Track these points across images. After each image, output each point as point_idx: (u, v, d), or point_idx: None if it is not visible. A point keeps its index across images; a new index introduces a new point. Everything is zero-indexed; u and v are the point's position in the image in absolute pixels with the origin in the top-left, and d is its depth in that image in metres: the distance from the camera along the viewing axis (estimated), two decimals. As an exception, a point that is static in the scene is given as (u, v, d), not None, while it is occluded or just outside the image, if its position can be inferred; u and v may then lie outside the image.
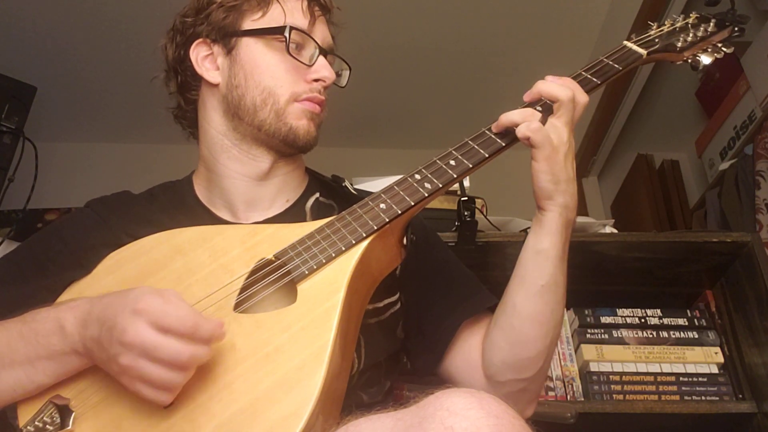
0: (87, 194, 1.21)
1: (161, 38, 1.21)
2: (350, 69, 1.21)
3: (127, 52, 2.80)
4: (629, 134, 3.18)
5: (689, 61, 1.18)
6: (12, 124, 2.28)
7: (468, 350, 1.12)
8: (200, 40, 1.16)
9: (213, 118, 1.16)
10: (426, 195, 0.97)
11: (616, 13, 2.74)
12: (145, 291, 0.85)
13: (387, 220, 0.96)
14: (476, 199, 1.84)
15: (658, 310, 1.90)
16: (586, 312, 1.89)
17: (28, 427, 0.88)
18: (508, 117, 1.00)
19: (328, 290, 0.91)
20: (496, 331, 1.06)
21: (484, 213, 1.93)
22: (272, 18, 1.13)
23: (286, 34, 1.11)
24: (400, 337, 1.14)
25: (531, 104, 1.02)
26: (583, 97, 1.02)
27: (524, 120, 0.99)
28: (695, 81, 2.89)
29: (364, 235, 0.95)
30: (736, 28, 1.19)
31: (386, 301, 1.10)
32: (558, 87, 1.01)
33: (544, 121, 0.99)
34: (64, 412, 0.89)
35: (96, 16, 2.67)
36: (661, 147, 3.25)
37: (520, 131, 0.98)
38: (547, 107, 1.01)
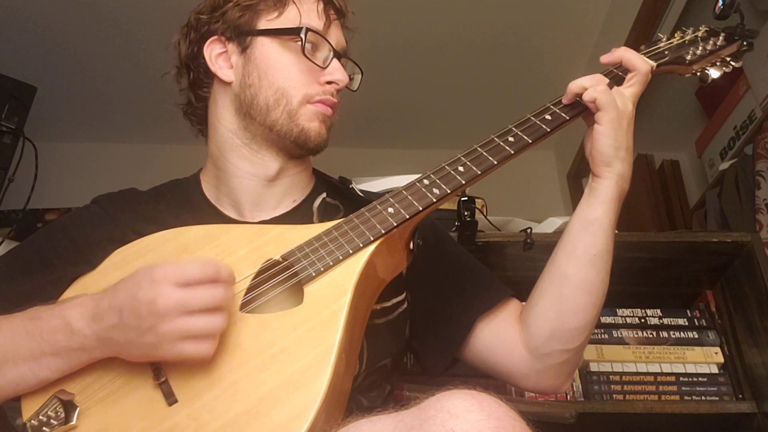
0: (87, 194, 1.21)
1: (174, 34, 1.21)
2: (362, 73, 1.21)
3: (127, 52, 2.80)
4: (629, 134, 3.18)
5: (698, 74, 1.19)
6: (12, 124, 2.29)
7: (500, 331, 1.12)
8: (215, 37, 1.15)
9: (224, 116, 1.16)
10: (434, 200, 0.97)
11: (616, 13, 2.74)
12: (149, 266, 0.86)
13: (395, 224, 0.96)
14: (476, 199, 1.84)
15: (658, 310, 1.90)
16: (586, 312, 1.89)
17: (32, 421, 0.89)
18: (578, 83, 1.04)
19: (334, 293, 0.91)
20: (543, 303, 1.08)
21: (484, 213, 1.93)
22: (288, 19, 1.13)
23: (302, 35, 1.10)
24: (406, 337, 1.14)
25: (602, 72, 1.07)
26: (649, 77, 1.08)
27: (593, 84, 1.03)
28: (695, 81, 2.88)
29: (372, 238, 0.95)
30: (745, 43, 1.20)
31: (394, 301, 1.11)
32: (640, 58, 1.06)
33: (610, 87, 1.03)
34: (69, 407, 0.89)
35: (96, 16, 2.67)
36: (661, 147, 3.25)
37: (588, 94, 1.02)
38: (618, 78, 1.06)
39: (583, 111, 1.06)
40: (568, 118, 1.05)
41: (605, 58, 1.08)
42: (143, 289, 0.84)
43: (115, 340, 0.87)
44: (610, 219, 1.04)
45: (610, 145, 1.02)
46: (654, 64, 1.11)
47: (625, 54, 1.07)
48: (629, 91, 1.05)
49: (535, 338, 1.09)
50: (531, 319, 1.09)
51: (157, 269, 0.85)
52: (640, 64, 1.06)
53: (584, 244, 1.04)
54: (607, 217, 1.04)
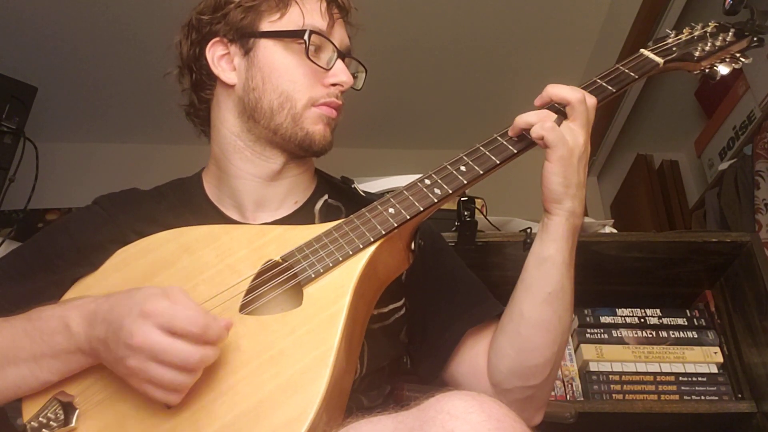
0: (88, 194, 1.21)
1: (175, 34, 1.19)
2: (366, 71, 1.20)
3: (128, 52, 2.80)
4: (629, 134, 3.18)
5: (706, 71, 1.15)
6: (13, 125, 2.28)
7: (474, 357, 1.11)
8: (217, 39, 1.14)
9: (227, 119, 1.15)
10: (435, 201, 0.96)
11: (615, 13, 2.74)
12: (152, 292, 0.84)
13: (395, 225, 0.95)
14: (476, 199, 1.84)
15: (658, 310, 1.91)
16: (586, 312, 1.89)
17: (32, 423, 0.89)
18: (524, 118, 1.00)
19: (334, 294, 0.91)
20: (502, 339, 1.06)
21: (484, 213, 1.93)
22: (291, 20, 1.11)
23: (306, 37, 1.09)
24: (403, 342, 1.14)
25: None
26: (591, 99, 1.01)
27: (539, 120, 0.98)
28: (695, 81, 2.90)
29: (372, 239, 0.94)
30: (755, 39, 1.16)
31: (391, 307, 1.10)
32: (568, 89, 1.00)
33: (559, 124, 0.98)
34: (68, 408, 0.90)
35: (97, 16, 2.67)
36: (661, 147, 3.25)
37: (535, 131, 0.97)
38: (562, 113, 1.00)
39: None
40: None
41: (537, 101, 1.03)
42: (131, 317, 0.82)
43: (101, 353, 0.87)
44: (564, 256, 1.00)
45: (560, 183, 0.97)
46: (661, 60, 1.09)
47: (550, 90, 1.01)
48: (575, 124, 0.99)
49: (496, 374, 1.07)
50: (492, 354, 1.08)
51: (150, 302, 0.82)
52: (569, 94, 0.99)
53: (539, 283, 1.01)
54: (560, 255, 1.00)
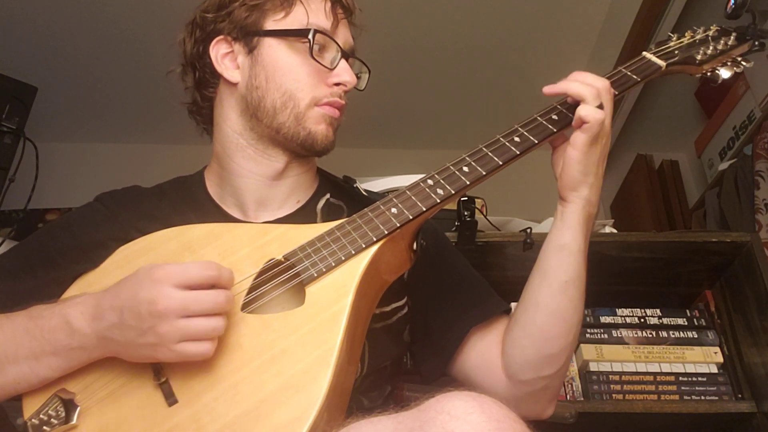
0: (88, 194, 1.21)
1: (179, 32, 1.19)
2: (369, 72, 1.20)
3: (127, 52, 2.80)
4: (629, 134, 3.18)
5: (708, 74, 1.16)
6: (13, 125, 2.29)
7: (484, 351, 1.11)
8: (221, 37, 1.14)
9: (230, 117, 1.15)
10: (438, 201, 0.97)
11: (615, 13, 2.75)
12: (152, 264, 0.87)
13: (398, 225, 0.95)
14: (476, 199, 1.84)
15: (658, 310, 1.91)
16: (586, 312, 1.89)
17: (33, 420, 0.90)
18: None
19: (336, 294, 0.91)
20: (517, 329, 1.06)
21: (484, 213, 1.93)
22: (295, 19, 1.11)
23: (310, 36, 1.09)
24: (406, 341, 1.14)
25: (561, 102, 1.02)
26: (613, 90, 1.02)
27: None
28: (694, 81, 2.90)
29: (374, 239, 0.94)
30: (756, 43, 1.17)
31: (393, 306, 1.10)
32: (595, 78, 1.00)
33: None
34: (69, 406, 0.90)
35: (97, 16, 2.67)
36: (661, 147, 3.25)
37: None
38: (570, 114, 1.01)
39: None
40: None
41: (550, 89, 1.02)
42: (144, 289, 0.85)
43: (115, 339, 0.87)
44: (579, 244, 1.01)
45: (580, 171, 0.99)
46: (663, 63, 1.10)
47: (577, 75, 1.01)
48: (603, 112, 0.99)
49: (512, 365, 1.06)
50: (507, 345, 1.08)
51: (158, 269, 0.85)
52: (597, 82, 1.00)
53: (555, 271, 1.02)
54: (576, 243, 1.01)
